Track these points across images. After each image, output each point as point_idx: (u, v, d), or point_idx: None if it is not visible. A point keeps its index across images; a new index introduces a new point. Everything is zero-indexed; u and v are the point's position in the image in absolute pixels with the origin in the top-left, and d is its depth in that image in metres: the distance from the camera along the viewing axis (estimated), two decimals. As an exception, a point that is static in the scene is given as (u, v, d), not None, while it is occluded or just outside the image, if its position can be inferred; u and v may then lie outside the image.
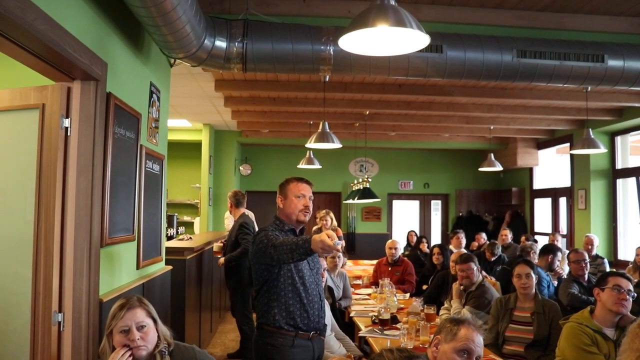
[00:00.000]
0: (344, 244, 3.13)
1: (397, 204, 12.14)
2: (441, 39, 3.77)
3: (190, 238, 6.17)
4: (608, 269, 6.52)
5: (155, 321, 2.35)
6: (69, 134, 2.68)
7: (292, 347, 2.90)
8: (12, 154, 2.80)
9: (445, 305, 4.74)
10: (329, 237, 2.48)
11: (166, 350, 2.32)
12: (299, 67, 3.76)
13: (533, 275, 3.84)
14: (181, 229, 9.29)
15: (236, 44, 3.57)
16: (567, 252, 6.88)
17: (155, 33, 3.09)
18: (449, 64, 3.77)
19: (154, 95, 3.83)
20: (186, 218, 10.17)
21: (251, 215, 8.97)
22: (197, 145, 9.44)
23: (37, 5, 2.02)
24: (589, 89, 5.64)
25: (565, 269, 6.12)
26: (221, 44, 3.56)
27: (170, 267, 4.26)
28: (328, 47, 3.64)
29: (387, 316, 4.35)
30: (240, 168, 10.89)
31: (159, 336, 2.33)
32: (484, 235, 8.70)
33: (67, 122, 2.68)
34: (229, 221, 8.59)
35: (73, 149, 2.68)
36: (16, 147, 2.79)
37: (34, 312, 2.62)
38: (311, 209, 3.10)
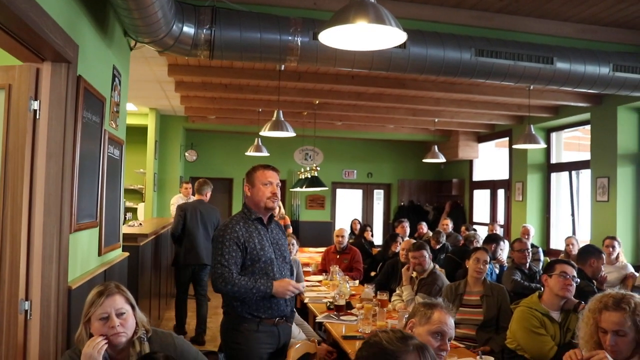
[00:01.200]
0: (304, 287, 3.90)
1: (340, 192, 12.34)
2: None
3: (141, 224, 6.07)
4: (542, 258, 6.94)
5: (133, 308, 2.34)
6: (37, 117, 2.60)
7: (256, 332, 2.96)
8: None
9: (397, 291, 4.91)
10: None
11: (144, 336, 2.32)
12: (266, 57, 3.78)
13: (488, 263, 4.07)
14: (128, 215, 9.08)
15: (204, 30, 3.55)
16: (505, 241, 7.28)
17: (126, 16, 3.04)
18: (412, 59, 3.91)
19: (116, 79, 3.75)
20: (129, 204, 9.93)
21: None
22: (141, 130, 9.21)
23: (21, -15, 1.96)
24: (532, 87, 5.95)
25: (503, 256, 6.47)
26: (189, 30, 3.53)
27: (127, 254, 4.21)
28: (296, 38, 3.68)
29: (342, 302, 4.48)
30: (186, 154, 10.73)
31: (137, 323, 2.33)
32: (424, 225, 9.00)
33: (35, 105, 2.60)
34: (175, 207, 8.50)
35: (42, 132, 2.60)
36: (-22, 129, 2.68)
37: (-3, 300, 2.55)
38: (279, 195, 3.16)
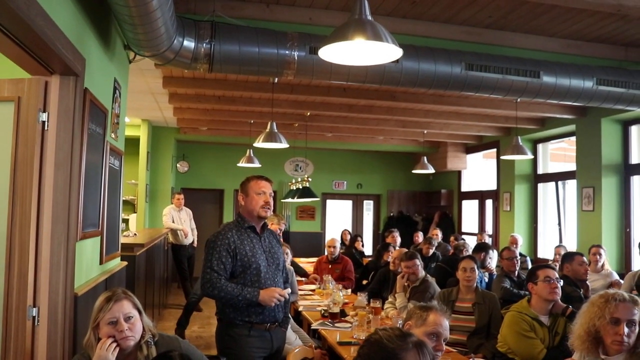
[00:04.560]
0: (296, 295, 4.06)
1: (330, 203, 12.44)
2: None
3: (136, 234, 6.12)
4: (530, 266, 7.08)
5: (140, 312, 2.41)
6: (46, 128, 2.69)
7: (248, 337, 3.05)
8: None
9: (390, 299, 5.01)
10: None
11: (152, 340, 2.39)
12: (264, 70, 3.90)
13: (476, 270, 4.18)
14: (122, 226, 9.08)
15: (204, 44, 3.65)
16: (494, 250, 7.42)
17: (130, 31, 3.13)
18: (404, 73, 4.04)
19: (117, 91, 3.84)
20: (122, 215, 9.94)
21: (189, 212, 8.98)
22: (133, 141, 9.25)
23: (38, 2, 2.06)
24: (519, 99, 6.12)
25: (492, 265, 6.60)
26: (189, 44, 3.64)
27: (125, 263, 4.27)
28: (293, 52, 3.80)
29: (336, 310, 4.57)
30: (178, 165, 10.78)
31: (144, 327, 2.40)
32: (421, 235, 9.12)
33: (44, 116, 2.68)
34: (167, 218, 8.55)
35: (51, 143, 2.69)
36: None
37: (6, 307, 2.60)
38: (272, 204, 3.27)
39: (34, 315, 2.62)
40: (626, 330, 2.33)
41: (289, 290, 3.18)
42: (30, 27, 2.03)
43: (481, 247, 6.27)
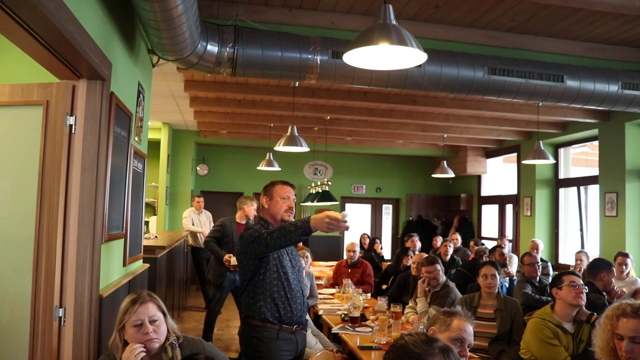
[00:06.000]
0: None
1: (349, 207, 12.43)
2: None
3: (157, 237, 6.18)
4: (552, 272, 7.00)
5: (165, 315, 2.44)
6: (73, 132, 2.73)
7: (276, 340, 3.05)
8: (13, 149, 2.81)
9: (410, 304, 4.99)
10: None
11: (176, 342, 2.41)
12: (286, 74, 3.92)
13: (497, 276, 4.15)
14: (143, 228, 9.19)
15: (227, 49, 3.68)
16: (514, 255, 7.37)
17: (155, 35, 3.17)
18: (427, 77, 4.03)
19: (141, 95, 3.88)
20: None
21: (208, 215, 9.04)
22: (154, 144, 9.34)
23: (69, 8, 2.09)
24: (541, 104, 6.06)
25: (513, 270, 6.55)
26: (213, 48, 3.67)
27: (147, 265, 4.31)
28: (315, 56, 3.81)
29: (357, 314, 4.56)
30: (197, 168, 10.87)
31: (168, 329, 2.43)
32: (440, 239, 9.08)
33: (71, 120, 2.72)
34: (187, 220, 8.63)
35: (78, 146, 2.73)
36: (17, 142, 2.81)
37: (34, 308, 2.64)
38: (294, 210, 3.30)
39: (61, 315, 2.67)
40: (629, 346, 2.26)
41: (347, 213, 2.87)
42: (60, 32, 2.07)
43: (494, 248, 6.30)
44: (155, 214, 9.47)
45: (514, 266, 6.93)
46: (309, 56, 3.80)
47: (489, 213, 11.01)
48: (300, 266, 3.37)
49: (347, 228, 2.68)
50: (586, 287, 3.45)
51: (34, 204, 2.68)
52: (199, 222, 8.69)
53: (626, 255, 5.64)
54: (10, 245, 2.74)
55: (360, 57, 2.66)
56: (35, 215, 2.67)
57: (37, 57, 2.49)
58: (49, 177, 2.68)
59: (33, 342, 2.64)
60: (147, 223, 9.66)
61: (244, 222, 6.23)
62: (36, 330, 2.64)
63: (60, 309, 2.66)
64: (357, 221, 12.43)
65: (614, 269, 4.73)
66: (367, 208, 12.58)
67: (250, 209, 6.22)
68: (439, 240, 8.87)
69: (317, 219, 2.68)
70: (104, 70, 2.72)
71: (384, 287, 6.76)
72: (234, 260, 5.91)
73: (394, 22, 2.54)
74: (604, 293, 4.58)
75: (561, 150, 8.91)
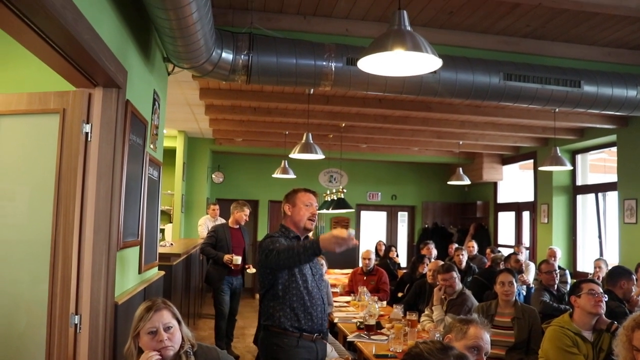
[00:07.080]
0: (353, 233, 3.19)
1: (365, 214, 12.38)
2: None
3: (172, 244, 6.20)
4: (570, 280, 6.90)
5: (179, 322, 2.44)
6: (89, 139, 2.75)
7: (296, 347, 3.04)
8: (30, 157, 2.84)
9: (426, 312, 4.95)
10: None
11: (191, 350, 2.41)
12: (301, 81, 3.92)
13: (515, 283, 4.09)
14: (159, 235, 9.25)
15: (242, 56, 3.70)
16: (531, 263, 7.28)
17: (170, 43, 3.20)
18: (442, 84, 4.01)
19: (156, 103, 3.91)
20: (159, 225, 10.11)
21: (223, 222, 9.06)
22: (169, 152, 9.41)
23: (86, 18, 2.12)
24: (557, 110, 6.00)
25: (530, 278, 6.47)
26: (228, 56, 3.69)
27: (163, 273, 4.32)
28: (330, 63, 3.81)
29: (372, 322, 4.53)
30: (213, 176, 10.91)
31: (183, 337, 2.42)
32: (455, 246, 9.01)
33: (87, 128, 2.74)
34: (202, 228, 8.65)
35: (93, 154, 2.75)
36: (34, 150, 2.84)
37: (50, 314, 2.66)
38: (316, 218, 3.29)
39: (76, 322, 2.67)
40: None
41: (352, 231, 2.88)
42: (77, 41, 2.09)
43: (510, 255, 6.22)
44: (171, 222, 9.51)
45: (531, 274, 6.84)
46: (324, 63, 3.80)
47: (506, 220, 10.90)
48: (322, 274, 3.37)
49: (355, 244, 2.74)
50: (605, 295, 3.39)
51: (50, 211, 2.70)
52: (214, 230, 8.70)
53: None
54: (27, 252, 2.77)
55: (374, 64, 2.65)
56: (52, 222, 2.69)
57: (55, 66, 2.51)
58: (65, 184, 2.70)
59: (49, 349, 2.65)
60: (162, 230, 9.72)
61: (236, 226, 6.46)
62: (52, 337, 2.65)
63: (76, 316, 2.67)
64: (372, 229, 12.38)
65: (634, 277, 4.64)
66: (382, 215, 12.52)
67: (241, 214, 6.43)
68: (454, 248, 8.79)
69: (326, 240, 2.73)
70: (119, 78, 2.74)
71: (400, 294, 6.72)
72: (235, 259, 5.97)
73: (408, 28, 2.53)
74: (624, 301, 4.50)
75: (578, 157, 8.80)
